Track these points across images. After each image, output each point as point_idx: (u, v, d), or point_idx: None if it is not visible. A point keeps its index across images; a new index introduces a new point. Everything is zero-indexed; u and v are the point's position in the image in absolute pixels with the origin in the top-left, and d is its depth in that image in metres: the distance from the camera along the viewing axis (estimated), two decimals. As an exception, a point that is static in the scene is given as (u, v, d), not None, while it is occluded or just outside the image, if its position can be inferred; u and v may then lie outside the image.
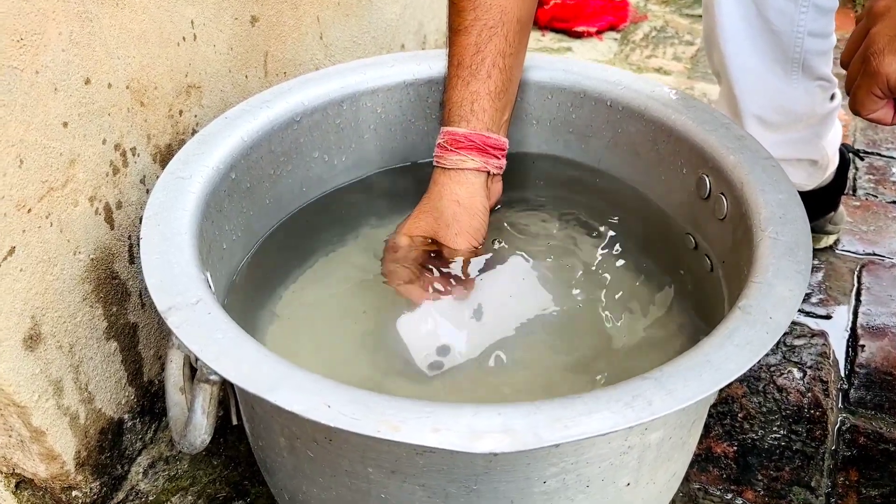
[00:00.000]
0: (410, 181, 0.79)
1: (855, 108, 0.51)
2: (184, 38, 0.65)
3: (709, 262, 0.67)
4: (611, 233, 0.74)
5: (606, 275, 0.70)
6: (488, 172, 0.64)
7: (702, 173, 0.66)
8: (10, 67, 0.49)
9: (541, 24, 1.40)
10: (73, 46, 0.54)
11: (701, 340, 0.47)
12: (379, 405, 0.41)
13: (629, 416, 0.41)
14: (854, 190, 1.02)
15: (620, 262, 0.72)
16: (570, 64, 0.77)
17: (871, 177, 1.04)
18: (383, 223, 0.76)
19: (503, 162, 0.66)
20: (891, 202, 1.00)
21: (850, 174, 1.04)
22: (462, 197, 0.63)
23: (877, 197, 1.01)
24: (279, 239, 0.72)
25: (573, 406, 0.41)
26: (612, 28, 1.40)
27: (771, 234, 0.55)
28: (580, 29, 1.37)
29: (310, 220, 0.74)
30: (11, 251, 0.51)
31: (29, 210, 0.52)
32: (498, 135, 0.64)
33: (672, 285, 0.69)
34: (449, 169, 0.63)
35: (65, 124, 0.54)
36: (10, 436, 0.58)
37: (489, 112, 0.63)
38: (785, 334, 0.81)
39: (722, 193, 0.63)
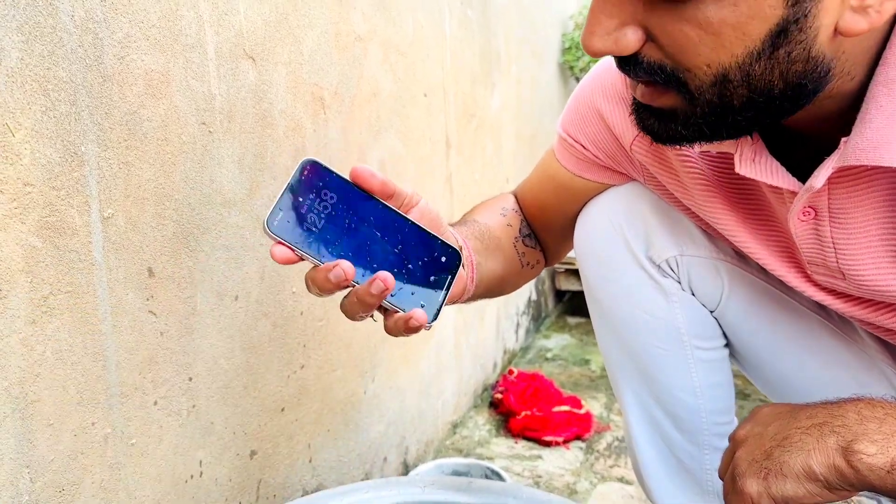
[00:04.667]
0: None
1: None
2: (192, 476, 0.78)
3: None
4: None
5: None
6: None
7: None
8: (48, 514, 0.61)
9: (514, 433, 1.56)
10: (101, 491, 0.67)
11: None
12: None
13: None
14: None
15: None
16: (521, 491, 0.89)
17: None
18: None
19: (470, 257, 0.72)
20: None
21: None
22: None
23: None
24: None
25: None
26: (578, 437, 1.55)
27: None
28: (548, 439, 1.52)
29: None
30: None
31: None
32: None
33: None
34: None
35: (81, 559, 0.64)
36: None
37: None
38: None
39: None
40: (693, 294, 0.79)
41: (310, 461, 1.01)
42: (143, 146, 0.70)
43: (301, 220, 0.59)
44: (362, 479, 1.16)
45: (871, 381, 0.75)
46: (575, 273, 2.28)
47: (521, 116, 1.93)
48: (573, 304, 2.45)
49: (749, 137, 0.59)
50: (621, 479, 1.41)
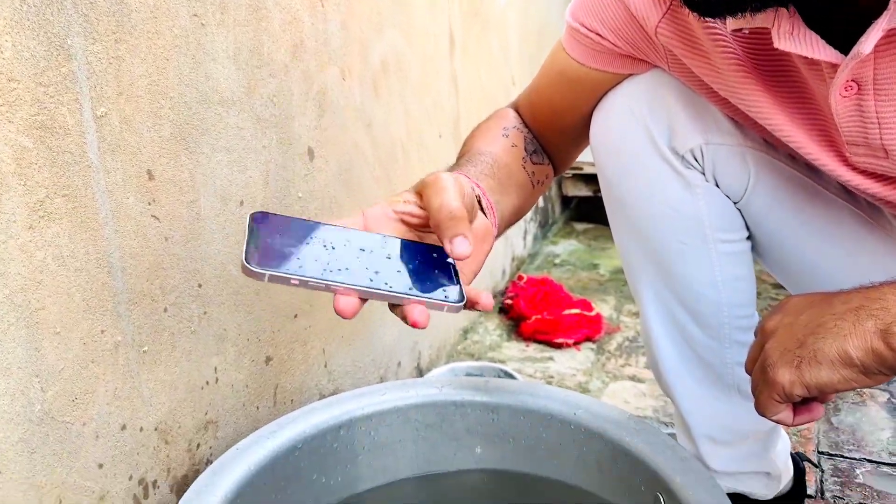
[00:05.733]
0: (399, 498, 0.87)
1: (760, 411, 0.58)
2: (207, 383, 0.77)
3: (675, 577, 0.72)
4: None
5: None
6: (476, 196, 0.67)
7: (656, 492, 0.74)
8: (63, 422, 0.60)
9: (525, 337, 1.56)
10: (115, 400, 0.66)
11: None
12: None
13: None
14: (822, 493, 1.07)
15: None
16: (537, 388, 0.88)
17: (836, 479, 1.10)
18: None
19: (490, 204, 0.69)
20: (858, 504, 1.05)
21: (816, 477, 1.10)
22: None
23: (843, 499, 1.06)
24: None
25: None
26: (589, 339, 1.55)
27: (714, 554, 0.62)
28: (559, 341, 1.52)
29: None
30: (38, 584, 0.58)
31: (59, 545, 0.60)
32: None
33: None
34: None
35: (100, 466, 0.64)
36: None
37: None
38: None
39: (674, 511, 0.71)
40: (717, 185, 0.75)
41: (325, 366, 1.00)
42: (132, 39, 0.65)
43: (279, 252, 0.56)
44: (378, 383, 1.16)
45: (899, 270, 0.73)
46: (582, 178, 2.24)
47: (527, 12, 1.85)
48: (580, 211, 2.42)
49: (786, 10, 0.55)
50: (633, 378, 1.42)
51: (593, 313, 1.59)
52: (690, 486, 0.71)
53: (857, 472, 1.12)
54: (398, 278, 0.59)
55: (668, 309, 0.81)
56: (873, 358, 0.52)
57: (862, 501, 1.06)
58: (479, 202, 0.67)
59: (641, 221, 0.78)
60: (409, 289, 0.58)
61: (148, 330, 0.69)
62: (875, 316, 0.52)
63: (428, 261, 0.62)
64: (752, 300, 0.81)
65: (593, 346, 1.54)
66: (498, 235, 0.71)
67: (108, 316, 0.64)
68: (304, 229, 0.59)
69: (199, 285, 0.75)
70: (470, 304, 0.61)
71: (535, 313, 1.58)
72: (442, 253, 0.63)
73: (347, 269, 0.57)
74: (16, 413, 0.57)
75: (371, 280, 0.57)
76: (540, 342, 1.55)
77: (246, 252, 0.53)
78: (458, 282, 0.61)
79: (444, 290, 0.60)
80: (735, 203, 0.77)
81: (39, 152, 0.57)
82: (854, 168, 0.63)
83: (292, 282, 0.54)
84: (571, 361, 1.48)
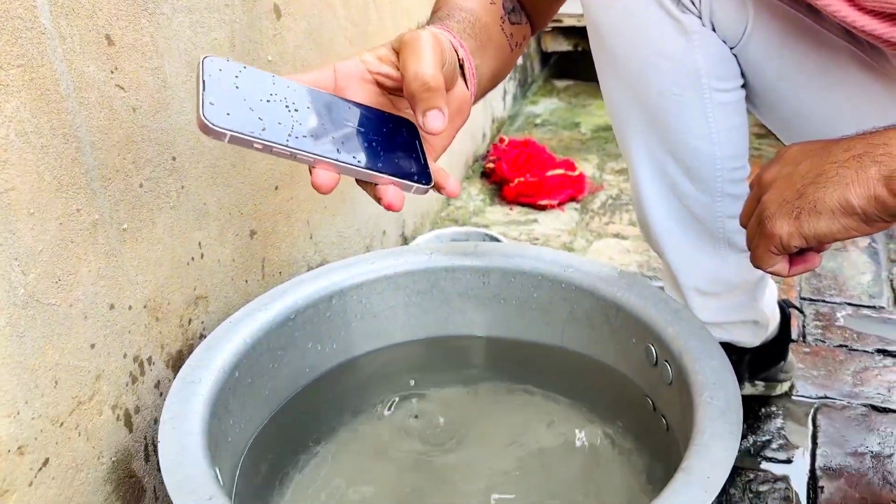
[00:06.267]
0: (393, 361, 0.88)
1: (756, 264, 0.58)
2: (192, 259, 0.75)
3: (665, 422, 0.74)
4: (583, 399, 0.83)
5: (582, 441, 0.78)
6: (459, 59, 0.63)
7: (648, 343, 0.75)
8: (48, 304, 0.59)
9: (508, 200, 1.55)
10: (100, 279, 0.64)
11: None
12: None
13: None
14: (804, 337, 1.11)
15: (593, 426, 0.80)
16: (527, 250, 0.88)
17: (818, 323, 1.14)
18: (371, 403, 0.84)
19: (472, 67, 0.65)
20: (838, 346, 1.09)
21: (799, 322, 1.13)
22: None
23: (825, 342, 1.10)
24: (277, 427, 0.79)
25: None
26: (573, 199, 1.54)
27: (706, 399, 0.63)
28: (543, 202, 1.51)
29: (305, 406, 0.82)
30: (45, 462, 0.59)
31: (62, 424, 0.60)
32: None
33: (638, 448, 0.76)
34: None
35: (92, 346, 0.63)
36: None
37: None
38: (749, 480, 0.87)
39: (666, 361, 0.72)
40: (714, 30, 0.72)
41: (310, 238, 0.99)
42: None
43: (238, 108, 0.50)
44: (364, 253, 1.15)
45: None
46: (562, 32, 2.15)
47: None
48: (560, 67, 2.35)
49: None
50: (617, 235, 1.42)
51: (576, 173, 1.57)
52: (682, 335, 0.72)
53: (838, 315, 1.16)
54: (366, 153, 0.55)
55: (660, 164, 0.79)
56: (875, 205, 0.51)
57: (842, 343, 1.10)
58: (461, 66, 0.63)
59: (634, 74, 0.75)
60: (378, 166, 0.55)
61: (125, 207, 0.66)
62: (879, 162, 0.51)
63: (397, 135, 0.59)
64: (746, 151, 0.79)
65: (577, 205, 1.54)
66: (474, 103, 0.68)
67: (81, 194, 0.61)
68: (263, 83, 0.54)
69: (174, 158, 0.72)
70: (437, 188, 0.59)
71: (517, 176, 1.56)
72: (412, 128, 0.59)
73: (314, 137, 0.53)
74: (-2, 298, 0.55)
75: (338, 151, 0.53)
76: (524, 205, 1.54)
77: (202, 105, 0.48)
78: (426, 162, 0.58)
79: (413, 170, 0.57)
80: (731, 49, 0.74)
81: (-16, 17, 0.52)
82: (862, 9, 0.60)
83: (255, 145, 0.50)
84: (555, 222, 1.48)
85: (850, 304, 1.17)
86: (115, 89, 0.64)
